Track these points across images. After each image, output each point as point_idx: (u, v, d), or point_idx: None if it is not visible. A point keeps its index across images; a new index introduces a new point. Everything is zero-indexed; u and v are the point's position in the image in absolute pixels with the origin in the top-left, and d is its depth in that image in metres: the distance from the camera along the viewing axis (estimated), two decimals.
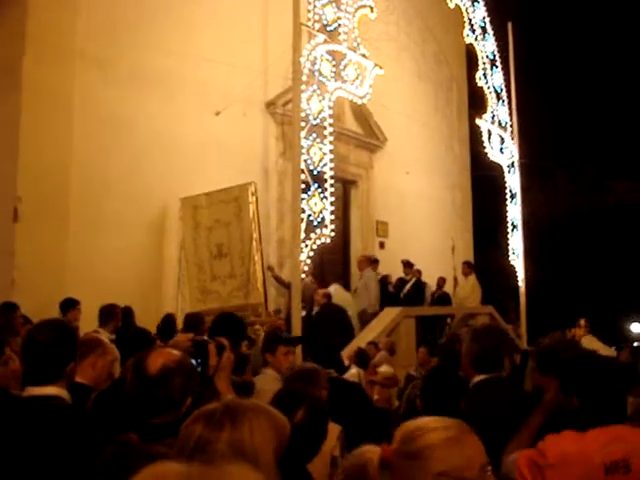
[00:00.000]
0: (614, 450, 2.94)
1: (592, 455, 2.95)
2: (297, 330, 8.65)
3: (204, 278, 11.52)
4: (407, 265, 15.29)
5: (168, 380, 2.48)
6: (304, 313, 11.73)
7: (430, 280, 15.75)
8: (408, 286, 14.98)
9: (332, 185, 10.27)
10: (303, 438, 2.92)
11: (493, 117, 16.25)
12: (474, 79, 16.54)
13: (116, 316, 8.22)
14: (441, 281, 16.10)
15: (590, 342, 11.62)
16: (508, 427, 3.34)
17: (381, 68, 11.27)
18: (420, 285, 15.26)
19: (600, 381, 3.20)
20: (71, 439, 2.70)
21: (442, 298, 15.67)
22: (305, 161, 9.81)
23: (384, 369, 10.00)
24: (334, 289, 13.23)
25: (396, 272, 15.67)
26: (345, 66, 10.79)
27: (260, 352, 5.36)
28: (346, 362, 8.93)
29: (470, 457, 1.92)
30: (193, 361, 2.68)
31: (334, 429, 4.06)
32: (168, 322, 9.48)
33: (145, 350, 2.60)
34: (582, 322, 14.47)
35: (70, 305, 8.71)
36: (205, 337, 2.86)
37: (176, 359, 2.55)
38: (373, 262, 15.01)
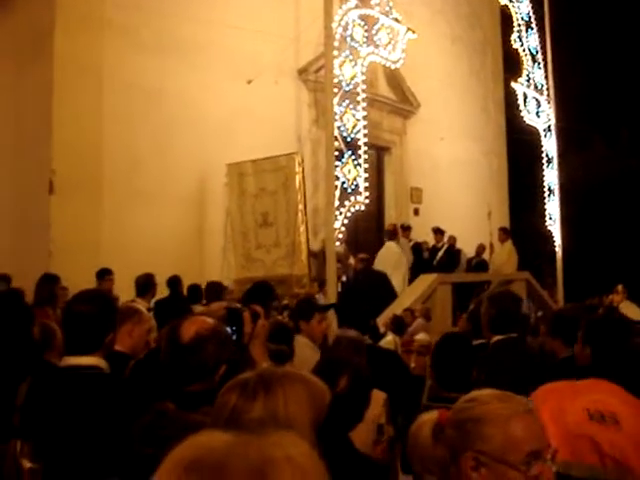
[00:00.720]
0: (601, 400, 2.98)
1: (575, 396, 3.01)
2: (332, 298, 8.67)
3: (249, 246, 11.59)
4: (437, 232, 15.15)
5: (201, 348, 2.47)
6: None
7: (466, 246, 15.61)
8: (440, 253, 14.85)
9: (366, 152, 10.22)
10: (346, 406, 2.91)
11: (529, 80, 15.99)
12: (509, 41, 16.29)
13: (153, 286, 8.24)
14: (480, 248, 15.92)
15: (628, 308, 11.47)
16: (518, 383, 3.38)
17: (414, 32, 11.14)
18: (453, 252, 15.12)
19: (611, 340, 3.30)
20: (108, 408, 2.72)
21: (479, 265, 15.54)
22: (338, 128, 9.76)
23: (421, 337, 9.96)
24: (386, 246, 13.28)
25: (431, 238, 15.56)
26: (377, 31, 10.69)
27: (291, 319, 5.35)
28: (382, 329, 8.93)
29: (517, 439, 1.81)
30: (227, 329, 2.67)
31: (379, 396, 4.05)
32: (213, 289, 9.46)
33: (180, 318, 2.59)
34: (620, 288, 14.31)
35: (102, 275, 8.77)
36: (239, 305, 2.84)
37: (210, 327, 2.53)
38: (405, 229, 14.78)
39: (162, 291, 8.89)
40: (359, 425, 3.24)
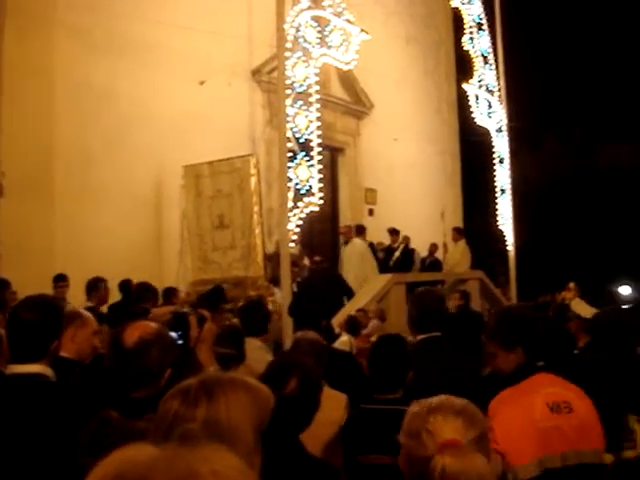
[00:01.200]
0: (554, 392, 3.22)
1: (532, 395, 3.21)
2: (287, 300, 8.65)
3: (205, 248, 11.58)
4: (393, 233, 15.25)
5: (145, 353, 2.45)
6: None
7: (420, 246, 15.75)
8: (397, 253, 14.95)
9: (319, 153, 10.21)
10: (295, 408, 2.91)
11: (480, 81, 16.15)
12: (461, 43, 16.42)
13: (98, 289, 8.19)
14: (433, 247, 16.09)
15: (578, 305, 11.67)
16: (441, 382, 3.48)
17: (367, 33, 11.15)
18: (408, 252, 15.25)
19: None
20: (53, 417, 2.69)
21: (433, 264, 15.68)
22: (291, 129, 9.74)
23: (376, 338, 10.01)
24: (352, 243, 13.58)
25: (386, 239, 15.65)
26: (330, 32, 10.68)
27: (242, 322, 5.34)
28: (337, 330, 8.95)
29: (424, 433, 1.84)
30: (173, 333, 2.65)
31: (341, 399, 4.06)
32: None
33: (123, 324, 2.57)
34: (571, 285, 14.53)
35: (57, 281, 8.68)
36: (186, 309, 2.82)
37: (153, 331, 2.51)
38: (358, 229, 14.90)
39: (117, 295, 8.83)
40: (320, 428, 3.25)
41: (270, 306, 10.06)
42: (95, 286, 8.49)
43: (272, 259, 11.82)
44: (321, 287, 11.36)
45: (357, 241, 13.92)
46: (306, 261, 12.57)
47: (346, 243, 14.72)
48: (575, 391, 3.33)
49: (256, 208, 10.98)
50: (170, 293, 9.28)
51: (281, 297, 9.43)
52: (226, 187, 11.32)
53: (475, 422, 1.86)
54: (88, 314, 3.69)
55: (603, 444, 3.25)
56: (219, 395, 1.67)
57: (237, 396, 1.68)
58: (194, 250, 11.72)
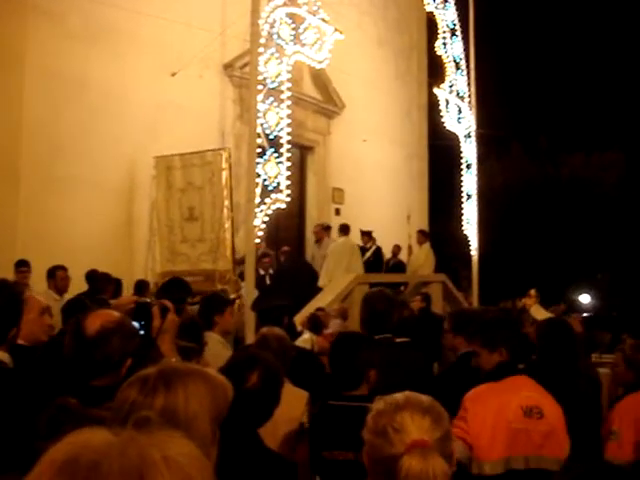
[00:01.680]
0: (529, 396, 3.33)
1: (510, 395, 3.31)
2: (251, 295, 8.64)
3: (174, 239, 11.55)
4: (365, 234, 15.32)
5: (106, 341, 2.44)
6: None
7: (385, 248, 15.84)
8: (368, 254, 15.02)
9: (288, 150, 10.21)
10: (255, 402, 2.92)
11: (451, 87, 16.27)
12: (434, 47, 16.52)
13: (56, 277, 8.15)
14: (396, 249, 16.20)
15: (537, 311, 11.85)
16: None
17: (341, 33, 11.17)
18: (379, 253, 15.34)
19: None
20: (10, 403, 2.66)
21: (396, 266, 15.78)
22: (262, 125, 9.73)
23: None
24: (343, 241, 13.89)
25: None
26: (304, 30, 10.68)
27: (201, 315, 5.32)
28: (299, 327, 8.96)
29: (390, 431, 1.83)
30: (135, 323, 2.65)
31: (302, 396, 4.08)
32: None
33: (84, 312, 2.56)
34: (532, 292, 14.68)
35: (18, 266, 8.60)
36: (149, 299, 2.81)
37: (115, 320, 2.50)
38: (326, 229, 15.02)
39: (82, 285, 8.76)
40: (280, 424, 3.26)
41: (237, 301, 10.10)
42: (53, 274, 8.45)
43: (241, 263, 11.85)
44: (296, 276, 11.84)
45: (344, 240, 14.12)
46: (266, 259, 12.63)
47: (317, 242, 14.79)
48: (548, 397, 3.42)
49: (227, 202, 10.97)
50: (142, 286, 9.29)
51: (244, 292, 9.43)
52: (197, 180, 11.31)
53: (441, 421, 1.86)
54: (32, 295, 3.54)
55: (565, 453, 3.31)
56: (177, 385, 1.67)
57: (195, 387, 1.68)
58: (163, 241, 11.69)
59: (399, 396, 1.91)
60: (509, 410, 3.25)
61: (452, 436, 1.91)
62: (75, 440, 1.03)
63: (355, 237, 15.26)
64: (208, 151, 11.48)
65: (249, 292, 8.92)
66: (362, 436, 1.91)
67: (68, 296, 7.51)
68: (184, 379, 1.69)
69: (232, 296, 9.52)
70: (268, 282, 12.42)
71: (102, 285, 8.72)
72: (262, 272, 12.53)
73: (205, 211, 11.16)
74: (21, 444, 2.26)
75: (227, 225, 10.98)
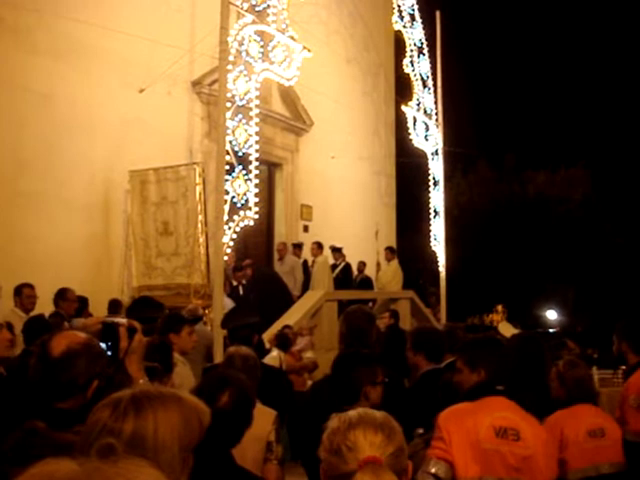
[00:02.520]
0: (504, 417, 3.29)
1: (482, 415, 3.29)
2: (219, 312, 8.61)
3: (150, 254, 11.57)
4: (335, 250, 15.36)
5: (72, 363, 2.40)
6: None
7: (353, 264, 15.88)
8: (337, 270, 15.05)
9: (257, 167, 10.23)
10: (227, 423, 2.90)
11: (419, 104, 16.44)
12: (401, 66, 16.71)
13: (21, 295, 8.10)
14: (362, 265, 16.26)
15: (504, 327, 11.93)
16: None
17: (309, 51, 11.25)
18: (349, 270, 15.38)
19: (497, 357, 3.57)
20: None
21: (364, 282, 15.83)
22: (230, 142, 9.74)
23: (310, 354, 10.11)
24: (322, 261, 14.14)
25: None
26: (273, 48, 10.74)
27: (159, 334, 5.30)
28: (267, 345, 8.95)
29: (344, 449, 1.88)
30: (102, 344, 2.62)
31: (270, 414, 4.07)
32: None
33: (50, 333, 2.52)
34: (499, 308, 14.84)
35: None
36: (116, 319, 2.78)
37: (81, 341, 2.47)
38: (296, 247, 15.08)
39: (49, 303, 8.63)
40: (248, 442, 3.24)
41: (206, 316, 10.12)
42: (19, 292, 8.37)
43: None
44: (268, 288, 12.19)
45: (324, 257, 14.50)
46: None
47: (280, 259, 14.82)
48: (528, 420, 3.38)
49: (200, 217, 10.99)
50: (115, 305, 9.25)
51: (213, 310, 9.40)
52: (172, 195, 11.33)
53: (393, 437, 1.91)
54: None
55: (547, 479, 3.29)
56: (148, 410, 1.65)
57: (166, 413, 1.66)
58: (138, 255, 11.70)
59: (353, 413, 1.98)
60: (480, 429, 3.23)
61: (406, 452, 1.96)
62: (40, 472, 1.02)
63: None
64: (181, 166, 11.52)
65: (217, 309, 8.90)
66: (318, 454, 1.96)
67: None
68: (155, 404, 1.66)
69: (200, 313, 9.48)
70: (241, 292, 12.57)
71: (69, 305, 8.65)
72: (235, 283, 12.75)
73: (179, 225, 11.17)
74: None
75: (201, 239, 11.01)
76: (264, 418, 3.89)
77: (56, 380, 2.38)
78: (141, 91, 12.55)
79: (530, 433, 3.29)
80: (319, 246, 14.94)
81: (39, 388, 2.39)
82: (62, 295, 8.68)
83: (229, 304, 10.89)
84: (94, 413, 1.70)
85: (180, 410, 1.70)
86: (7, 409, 2.61)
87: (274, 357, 8.46)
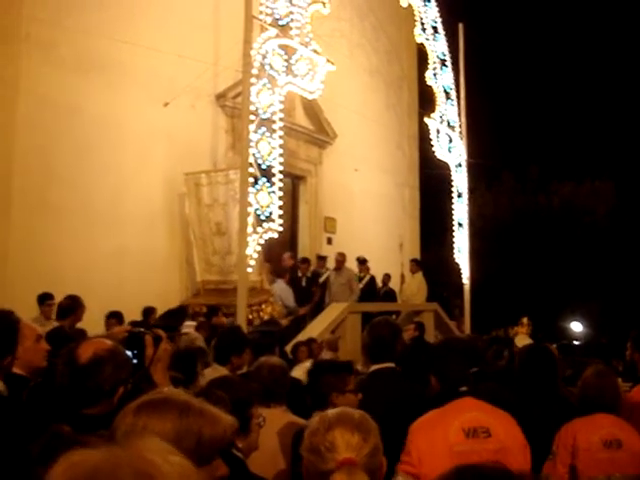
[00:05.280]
0: (473, 417, 3.34)
1: (450, 419, 3.33)
2: (243, 324, 8.65)
3: (207, 251, 12.26)
4: (361, 262, 15.33)
5: (98, 369, 2.44)
6: None
7: (378, 277, 15.84)
8: (362, 283, 15.02)
9: (280, 180, 10.28)
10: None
11: (442, 116, 16.43)
12: (424, 78, 16.71)
13: (44, 305, 8.15)
14: (386, 278, 16.21)
15: (521, 340, 11.87)
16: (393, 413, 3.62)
17: (333, 64, 11.31)
18: (374, 282, 15.34)
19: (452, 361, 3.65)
20: (4, 431, 2.65)
21: (388, 294, 15.78)
22: (254, 155, 9.80)
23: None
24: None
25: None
26: (296, 61, 10.81)
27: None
28: (290, 356, 8.94)
29: (322, 449, 1.98)
30: (129, 352, 2.65)
31: (298, 425, 4.07)
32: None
33: (77, 340, 2.57)
34: (525, 320, 14.72)
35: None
36: (142, 329, 2.82)
37: (107, 348, 2.51)
38: (320, 259, 15.07)
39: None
40: (276, 452, 3.27)
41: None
42: (41, 301, 8.51)
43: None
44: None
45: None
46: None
47: (338, 269, 14.87)
48: (497, 416, 3.42)
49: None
50: (148, 312, 9.47)
51: (237, 318, 9.44)
52: (222, 197, 11.88)
53: (370, 437, 2.03)
54: (25, 323, 3.48)
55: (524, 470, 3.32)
56: (142, 413, 1.65)
57: (160, 421, 1.65)
58: (199, 252, 12.42)
59: (331, 413, 2.11)
60: (449, 434, 3.27)
61: (381, 450, 2.07)
62: (70, 459, 1.05)
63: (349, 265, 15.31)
64: (231, 169, 11.98)
65: (241, 322, 8.95)
66: (300, 452, 2.09)
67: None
68: (151, 409, 1.67)
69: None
70: (304, 284, 13.62)
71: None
72: (300, 274, 13.78)
73: (230, 227, 11.62)
74: (15, 471, 2.26)
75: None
76: (293, 428, 3.89)
77: (83, 386, 2.42)
78: (166, 104, 12.67)
79: (500, 428, 3.34)
80: (319, 258, 15.21)
81: (66, 394, 2.43)
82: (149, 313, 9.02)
83: (286, 290, 12.58)
84: (119, 418, 1.73)
85: (178, 419, 1.67)
86: (35, 415, 2.66)
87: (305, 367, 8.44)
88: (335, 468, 1.93)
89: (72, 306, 7.72)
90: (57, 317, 7.82)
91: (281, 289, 12.54)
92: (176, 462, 1.07)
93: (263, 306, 11.34)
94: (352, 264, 15.00)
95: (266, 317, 11.25)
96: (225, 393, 2.89)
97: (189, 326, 9.85)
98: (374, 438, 2.04)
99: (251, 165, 9.70)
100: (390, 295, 15.89)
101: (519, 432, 3.41)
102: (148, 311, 9.88)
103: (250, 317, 10.71)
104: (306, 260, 14.19)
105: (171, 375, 3.33)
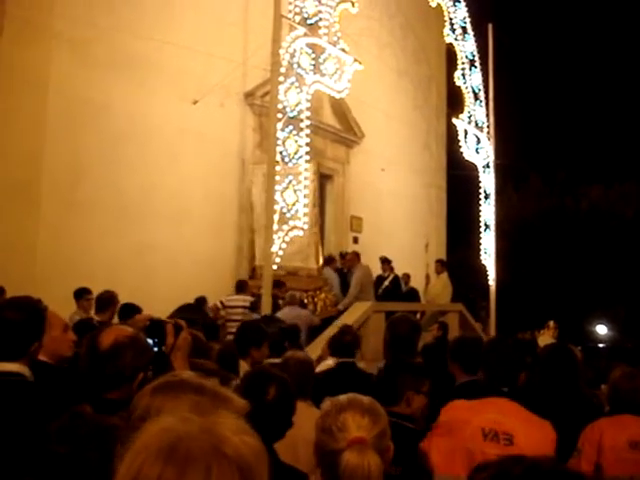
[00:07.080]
0: (496, 420, 3.25)
1: (472, 414, 3.30)
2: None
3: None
4: (385, 262, 15.31)
5: (119, 355, 2.51)
6: None
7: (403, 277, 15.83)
8: (386, 282, 15.00)
9: (307, 178, 10.32)
10: (272, 417, 2.97)
11: (470, 117, 16.38)
12: (453, 78, 16.67)
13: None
14: (406, 277, 16.14)
15: (544, 342, 11.80)
16: None
17: (360, 63, 11.32)
18: (398, 282, 15.31)
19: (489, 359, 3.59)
20: (28, 415, 2.72)
21: (410, 294, 15.73)
22: (280, 153, 9.85)
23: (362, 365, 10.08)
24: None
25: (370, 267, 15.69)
26: (324, 60, 10.84)
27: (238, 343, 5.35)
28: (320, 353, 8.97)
29: (334, 429, 2.08)
30: (149, 340, 2.71)
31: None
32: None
33: (100, 328, 2.63)
34: (551, 324, 14.58)
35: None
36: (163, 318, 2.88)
37: (128, 335, 2.58)
38: (343, 257, 15.07)
39: None
40: (301, 445, 3.31)
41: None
42: (79, 295, 8.60)
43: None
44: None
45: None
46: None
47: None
48: (531, 425, 3.30)
49: (315, 210, 12.35)
50: (200, 302, 10.20)
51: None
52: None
53: (378, 420, 2.14)
54: (52, 313, 3.57)
55: None
56: (158, 393, 1.68)
57: (175, 401, 1.65)
58: (260, 239, 12.57)
59: (343, 398, 2.21)
60: (467, 428, 3.23)
61: (389, 434, 2.17)
62: (159, 425, 1.11)
63: (371, 263, 15.31)
64: (297, 163, 12.03)
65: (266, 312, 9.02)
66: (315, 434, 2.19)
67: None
68: (169, 390, 1.68)
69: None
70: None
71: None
72: (345, 270, 14.08)
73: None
74: (35, 451, 2.33)
75: (315, 229, 12.41)
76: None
77: (104, 371, 2.49)
78: (195, 103, 12.78)
79: (527, 439, 3.18)
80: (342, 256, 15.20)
81: (88, 378, 2.50)
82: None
83: (335, 278, 13.44)
84: (137, 397, 1.78)
85: (190, 399, 1.70)
86: (58, 399, 2.72)
87: (328, 365, 8.47)
88: (346, 447, 2.03)
89: (111, 300, 7.83)
90: (96, 311, 7.92)
91: (330, 276, 13.28)
92: (250, 443, 1.13)
93: (317, 292, 11.68)
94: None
95: (320, 303, 11.70)
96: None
97: (237, 299, 11.03)
98: (383, 422, 2.14)
99: (277, 163, 9.76)
100: (412, 295, 15.84)
101: (551, 447, 3.23)
102: (200, 301, 10.13)
103: (305, 301, 11.61)
104: (346, 254, 14.66)
105: (195, 362, 3.39)
